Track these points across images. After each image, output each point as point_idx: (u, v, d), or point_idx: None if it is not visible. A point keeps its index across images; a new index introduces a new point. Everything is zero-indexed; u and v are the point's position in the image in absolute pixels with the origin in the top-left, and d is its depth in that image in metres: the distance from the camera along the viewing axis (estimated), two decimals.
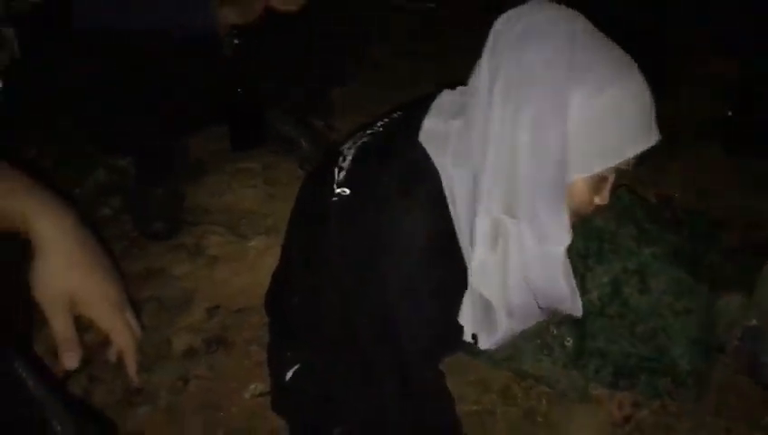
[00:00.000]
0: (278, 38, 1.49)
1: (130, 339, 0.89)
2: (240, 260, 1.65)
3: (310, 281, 1.17)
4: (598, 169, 0.98)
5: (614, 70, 0.95)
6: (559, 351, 1.33)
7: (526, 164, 0.95)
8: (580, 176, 0.98)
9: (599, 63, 0.95)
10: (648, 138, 0.98)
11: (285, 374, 1.23)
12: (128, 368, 0.91)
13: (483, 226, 1.01)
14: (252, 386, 1.40)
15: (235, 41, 1.52)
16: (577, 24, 0.96)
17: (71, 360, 0.81)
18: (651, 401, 1.32)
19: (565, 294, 1.07)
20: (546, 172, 0.95)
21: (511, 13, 1.00)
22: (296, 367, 1.22)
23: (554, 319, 1.34)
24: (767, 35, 1.91)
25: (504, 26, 0.99)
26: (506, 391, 1.36)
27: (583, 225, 1.35)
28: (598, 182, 1.01)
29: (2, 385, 0.70)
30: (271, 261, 1.63)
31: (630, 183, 1.59)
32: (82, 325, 1.48)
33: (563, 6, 0.99)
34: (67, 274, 0.82)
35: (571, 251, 1.33)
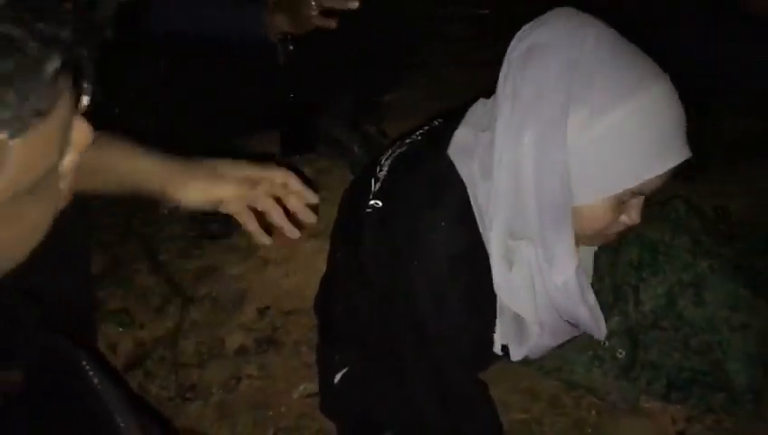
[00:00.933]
0: (332, 44, 1.51)
1: (285, 172, 1.01)
2: (291, 262, 1.68)
3: (350, 289, 1.19)
4: (610, 191, 0.95)
5: (628, 84, 0.90)
6: (610, 362, 1.32)
7: (530, 187, 0.94)
8: (594, 198, 0.95)
9: (610, 77, 0.91)
10: (666, 159, 0.92)
11: (334, 377, 1.25)
12: (299, 211, 1.04)
13: (496, 247, 1.01)
14: (301, 386, 1.42)
15: (290, 47, 1.54)
16: (590, 32, 0.92)
17: (258, 235, 1.00)
18: (705, 416, 1.29)
19: (585, 318, 1.06)
20: (549, 197, 0.94)
21: (527, 25, 0.98)
22: (344, 370, 1.24)
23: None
24: None
25: (517, 40, 0.97)
26: (555, 401, 1.35)
27: (637, 236, 1.34)
28: (617, 204, 0.97)
29: (69, 380, 0.73)
30: (321, 264, 1.65)
31: (686, 194, 1.56)
32: (135, 324, 1.53)
33: (583, 15, 0.96)
34: (205, 186, 0.97)
35: (624, 262, 1.32)
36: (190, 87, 1.49)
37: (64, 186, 0.51)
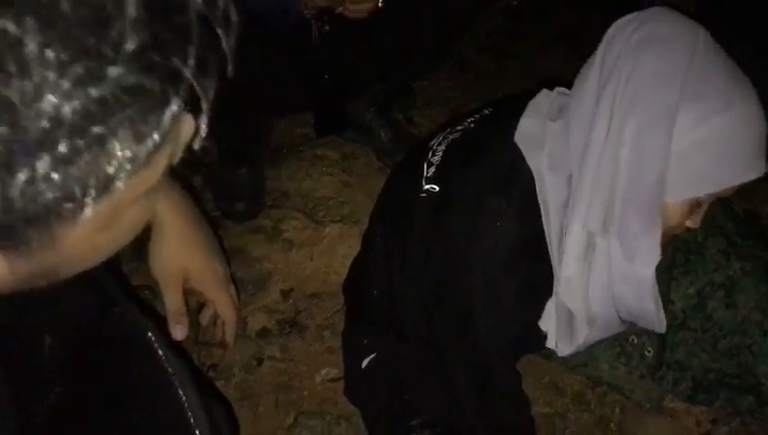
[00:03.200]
0: (367, 27, 1.49)
1: (234, 313, 0.98)
2: (315, 245, 1.67)
3: (391, 273, 1.18)
4: (697, 194, 0.95)
5: (729, 94, 0.91)
6: (637, 360, 1.31)
7: (624, 179, 0.93)
8: (678, 198, 0.95)
9: (714, 86, 0.91)
10: (754, 168, 0.94)
11: (362, 362, 1.24)
12: (227, 335, 1.02)
13: (577, 238, 0.99)
14: (324, 370, 1.42)
15: (326, 27, 1.53)
16: (699, 37, 0.93)
17: (179, 332, 0.89)
18: (730, 418, 1.28)
19: (651, 312, 1.05)
20: (643, 190, 0.93)
21: (631, 17, 0.97)
22: (372, 356, 1.23)
23: (633, 327, 1.32)
24: None
25: (623, 32, 0.96)
26: (580, 397, 1.35)
27: None
28: (694, 206, 0.98)
29: (136, 353, 0.73)
30: (345, 248, 1.65)
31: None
32: (157, 300, 1.52)
33: (686, 17, 0.96)
34: (182, 252, 0.90)
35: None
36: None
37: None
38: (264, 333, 1.50)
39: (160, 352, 0.73)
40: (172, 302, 0.91)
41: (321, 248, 1.67)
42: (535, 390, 1.34)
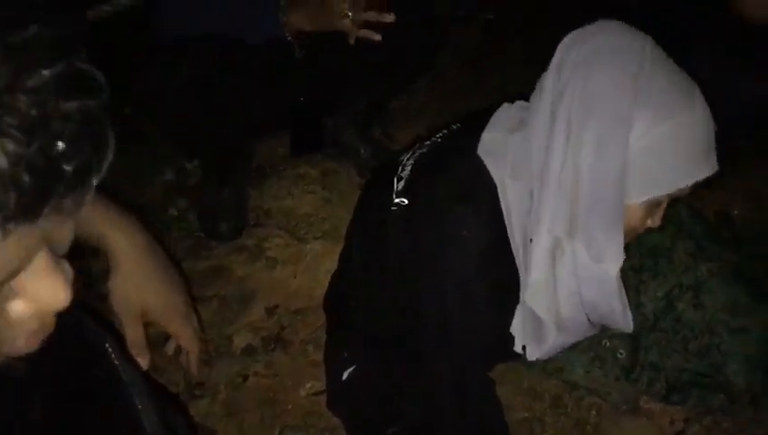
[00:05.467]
0: (345, 46, 1.53)
1: (196, 344, 1.02)
2: (298, 262, 1.71)
3: (368, 285, 1.22)
4: (655, 194, 0.99)
5: (679, 97, 0.96)
6: (611, 363, 1.34)
7: (587, 184, 0.97)
8: (637, 200, 0.99)
9: (664, 90, 0.95)
10: (706, 167, 0.98)
11: (342, 374, 1.27)
12: (191, 366, 1.04)
13: (544, 244, 1.03)
14: (308, 385, 1.45)
15: (302, 51, 1.57)
16: (646, 47, 0.97)
17: (141, 363, 0.91)
18: (703, 417, 1.32)
19: (618, 311, 1.09)
20: (605, 194, 0.97)
21: (580, 31, 1.01)
22: (352, 368, 1.27)
23: (607, 332, 1.36)
24: None
25: (574, 45, 1.00)
26: (557, 401, 1.38)
27: (639, 239, 1.36)
28: (652, 206, 1.02)
29: (92, 361, 0.76)
30: (328, 264, 1.68)
31: (688, 199, 1.59)
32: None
33: (632, 28, 1.00)
34: (142, 287, 0.92)
35: (625, 265, 1.35)
36: (202, 87, 1.51)
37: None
38: (249, 350, 1.53)
39: (117, 362, 0.76)
40: (132, 335, 0.93)
41: (304, 265, 1.70)
42: (514, 396, 1.37)
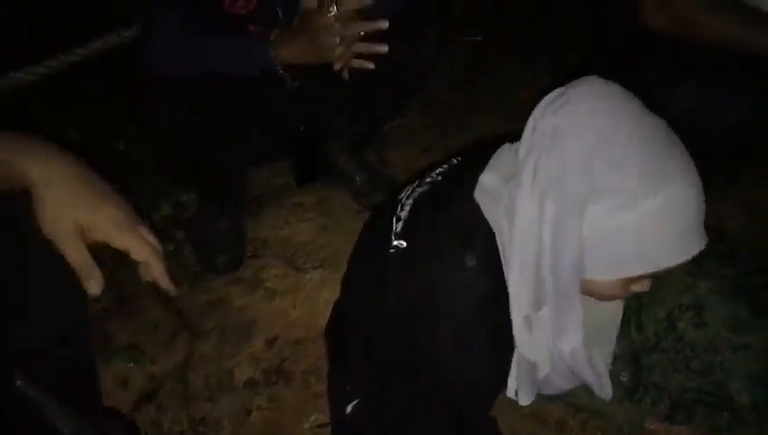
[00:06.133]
0: (332, 75, 1.54)
1: (150, 249, 0.90)
2: (297, 292, 1.70)
3: (367, 325, 1.21)
4: (618, 276, 0.98)
5: (649, 181, 0.90)
6: (614, 385, 1.34)
7: (548, 256, 0.96)
8: (600, 278, 0.98)
9: (626, 178, 0.91)
10: (686, 250, 0.95)
11: (345, 408, 1.26)
12: (158, 279, 0.93)
13: (517, 322, 1.03)
14: (312, 417, 1.44)
15: (296, 81, 1.57)
16: (620, 122, 0.93)
17: (93, 287, 0.83)
18: None
19: (592, 382, 1.11)
20: (563, 273, 0.96)
21: (553, 96, 1.00)
22: (355, 402, 1.26)
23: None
24: None
25: (543, 113, 0.99)
26: (562, 425, 1.37)
27: None
28: (628, 281, 1.00)
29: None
30: (327, 293, 1.68)
31: None
32: (146, 358, 1.54)
33: (613, 89, 0.98)
34: (71, 205, 0.84)
35: None
36: (201, 115, 1.51)
37: None
38: (250, 383, 1.52)
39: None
40: (74, 257, 0.84)
41: (303, 295, 1.70)
42: (518, 422, 1.37)
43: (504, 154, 1.10)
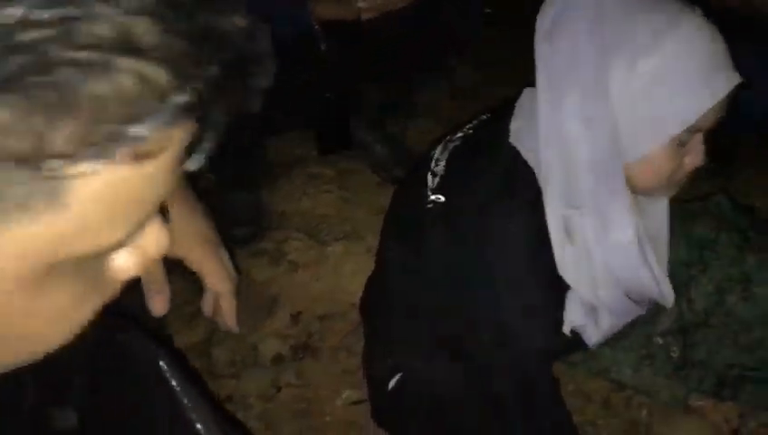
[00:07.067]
0: (366, 42, 1.47)
1: (227, 280, 0.80)
2: (320, 265, 1.64)
3: (408, 289, 1.16)
4: (665, 137, 0.92)
5: (654, 28, 0.88)
6: (662, 361, 1.30)
7: (580, 153, 0.93)
8: (651, 147, 0.93)
9: (634, 27, 0.89)
10: (717, 87, 0.89)
11: (388, 383, 1.21)
12: (225, 314, 0.83)
13: (553, 223, 0.99)
14: (344, 394, 1.39)
15: (330, 40, 1.50)
16: None
17: (160, 306, 0.73)
18: (758, 412, 1.28)
19: (647, 283, 1.04)
20: (600, 159, 0.92)
21: (545, 3, 0.98)
22: (399, 375, 1.20)
23: (657, 328, 1.32)
24: None
25: (540, 18, 0.97)
26: (607, 402, 1.34)
27: (684, 233, 1.33)
28: (677, 147, 0.94)
29: (146, 382, 0.67)
30: (351, 266, 1.62)
31: (711, 189, 1.56)
32: (169, 332, 1.47)
33: None
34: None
35: (675, 259, 1.31)
36: None
37: (112, 286, 0.39)
38: (277, 359, 1.46)
39: (173, 382, 0.66)
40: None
41: (326, 268, 1.64)
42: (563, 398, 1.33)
43: (525, 98, 1.06)
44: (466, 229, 1.02)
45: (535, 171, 1.00)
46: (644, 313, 1.16)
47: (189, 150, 0.34)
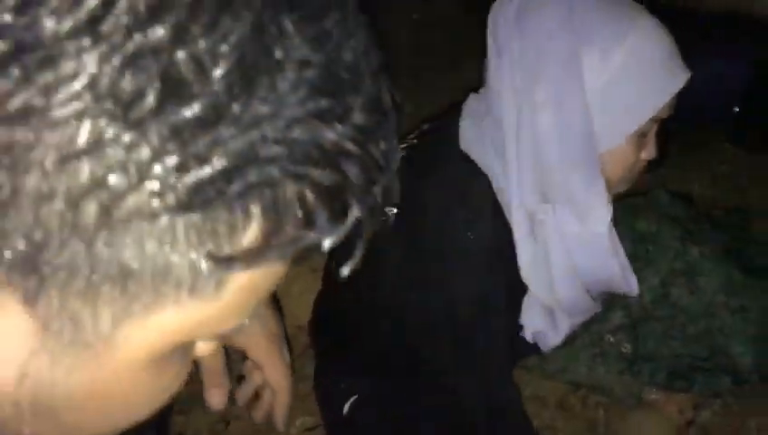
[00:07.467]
0: None
1: (287, 377, 0.77)
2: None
3: (363, 307, 1.12)
4: (634, 126, 0.93)
5: (621, 22, 0.91)
6: (615, 357, 1.31)
7: (553, 145, 0.92)
8: (618, 140, 0.94)
9: (603, 20, 0.91)
10: (676, 78, 0.93)
11: (342, 407, 1.17)
12: (278, 410, 0.79)
13: (519, 220, 0.98)
14: (298, 421, 1.34)
15: None
16: None
17: (218, 400, 0.70)
18: (712, 401, 1.30)
19: (616, 273, 1.04)
20: (575, 149, 0.92)
21: (497, 2, 0.97)
22: (353, 398, 1.17)
23: (608, 326, 1.32)
24: None
25: (500, 10, 0.96)
26: (563, 404, 1.33)
27: (627, 228, 1.33)
28: (639, 138, 0.96)
29: None
30: (297, 287, 1.57)
31: (650, 180, 1.58)
32: None
33: None
34: None
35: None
36: None
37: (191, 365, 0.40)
38: None
39: None
40: (209, 359, 0.69)
41: (278, 292, 1.58)
42: None
43: (472, 102, 1.05)
44: (422, 241, 1.00)
45: (489, 176, 0.99)
46: (600, 309, 1.15)
47: None
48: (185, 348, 0.36)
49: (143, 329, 0.31)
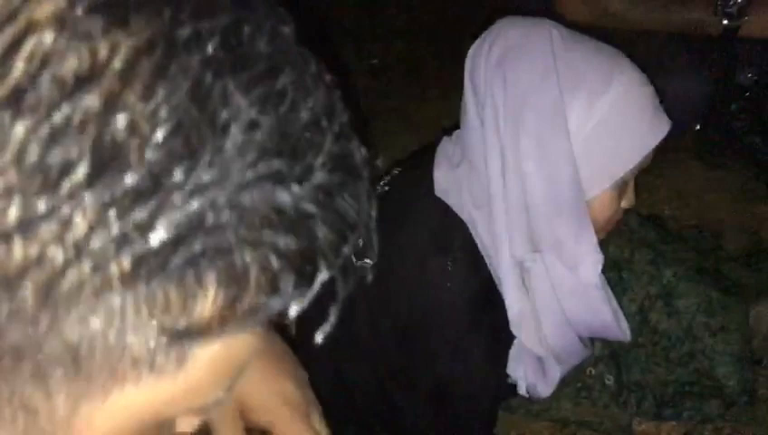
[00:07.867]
0: None
1: None
2: None
3: (339, 364, 1.08)
4: (618, 175, 0.92)
5: (605, 70, 0.91)
6: (599, 390, 1.27)
7: (539, 193, 0.90)
8: (601, 188, 0.92)
9: (587, 69, 0.91)
10: (658, 127, 0.93)
11: None
12: None
13: (508, 269, 0.95)
14: None
15: None
16: (553, 31, 0.92)
17: None
18: (702, 427, 1.26)
19: (609, 321, 1.02)
20: (562, 196, 0.90)
21: (481, 38, 0.95)
22: None
23: (588, 360, 1.28)
24: None
25: (479, 55, 0.94)
26: None
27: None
28: (621, 187, 0.95)
29: None
30: None
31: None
32: None
33: (531, 18, 0.96)
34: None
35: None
36: None
37: None
38: None
39: None
40: None
41: None
42: None
43: (444, 146, 1.03)
44: (402, 293, 0.97)
45: (467, 224, 0.97)
46: (591, 353, 1.12)
47: None
48: (161, 427, 0.34)
49: (105, 411, 0.29)
